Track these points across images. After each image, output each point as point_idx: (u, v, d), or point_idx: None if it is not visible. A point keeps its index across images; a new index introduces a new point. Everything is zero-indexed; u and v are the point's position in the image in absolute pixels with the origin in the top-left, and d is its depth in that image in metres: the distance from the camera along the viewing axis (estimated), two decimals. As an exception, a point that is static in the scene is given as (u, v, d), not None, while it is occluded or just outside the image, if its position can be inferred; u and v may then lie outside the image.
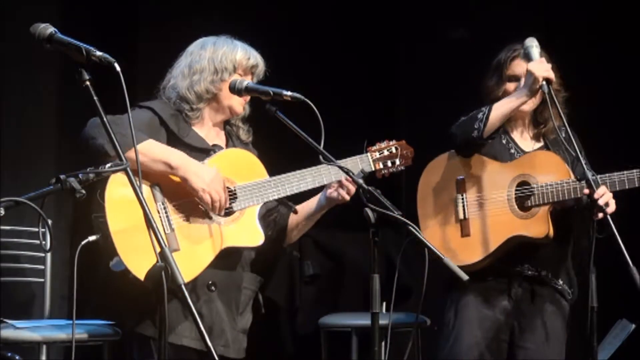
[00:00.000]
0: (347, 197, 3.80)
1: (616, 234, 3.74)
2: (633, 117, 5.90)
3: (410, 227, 3.33)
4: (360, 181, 3.48)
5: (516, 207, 4.22)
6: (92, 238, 3.49)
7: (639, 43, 5.91)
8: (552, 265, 4.28)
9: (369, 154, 3.92)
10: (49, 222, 3.05)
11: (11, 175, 5.42)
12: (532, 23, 6.12)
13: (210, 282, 3.70)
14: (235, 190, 3.73)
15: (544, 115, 4.31)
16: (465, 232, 4.25)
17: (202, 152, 3.77)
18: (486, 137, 4.18)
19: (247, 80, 3.77)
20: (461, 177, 4.29)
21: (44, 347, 4.63)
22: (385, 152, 3.96)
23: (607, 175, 4.09)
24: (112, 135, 2.96)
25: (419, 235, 3.34)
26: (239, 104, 3.85)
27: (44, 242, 4.53)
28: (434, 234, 4.23)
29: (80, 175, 2.87)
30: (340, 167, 3.63)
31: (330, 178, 3.80)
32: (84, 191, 2.85)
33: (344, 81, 6.31)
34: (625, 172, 4.09)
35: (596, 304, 3.81)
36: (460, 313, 4.24)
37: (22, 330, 4.63)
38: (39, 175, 5.44)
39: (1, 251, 5.07)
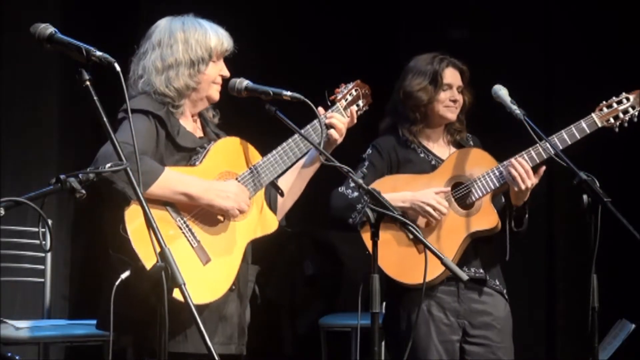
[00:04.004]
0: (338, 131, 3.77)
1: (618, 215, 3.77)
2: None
3: (410, 227, 3.33)
4: (360, 181, 3.48)
5: (459, 208, 4.27)
6: (124, 276, 3.35)
7: (638, 43, 5.92)
8: (490, 267, 4.34)
9: (338, 104, 3.84)
10: (49, 222, 3.04)
11: (11, 175, 5.43)
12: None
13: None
14: (238, 182, 3.66)
15: (456, 126, 4.45)
16: (421, 249, 4.25)
17: (193, 151, 3.65)
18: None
19: (247, 81, 3.72)
20: None
21: (44, 347, 4.64)
22: (349, 97, 3.88)
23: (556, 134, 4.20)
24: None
25: (418, 235, 3.33)
26: (216, 91, 3.73)
27: (44, 242, 4.51)
28: (393, 259, 4.19)
29: (80, 175, 2.86)
30: (340, 167, 3.61)
31: (316, 139, 3.72)
32: (84, 191, 2.85)
33: (343, 55, 6.30)
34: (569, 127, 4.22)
35: (597, 304, 3.81)
36: (412, 319, 4.24)
37: (22, 330, 4.63)
38: (39, 175, 5.44)
39: (1, 251, 5.07)
